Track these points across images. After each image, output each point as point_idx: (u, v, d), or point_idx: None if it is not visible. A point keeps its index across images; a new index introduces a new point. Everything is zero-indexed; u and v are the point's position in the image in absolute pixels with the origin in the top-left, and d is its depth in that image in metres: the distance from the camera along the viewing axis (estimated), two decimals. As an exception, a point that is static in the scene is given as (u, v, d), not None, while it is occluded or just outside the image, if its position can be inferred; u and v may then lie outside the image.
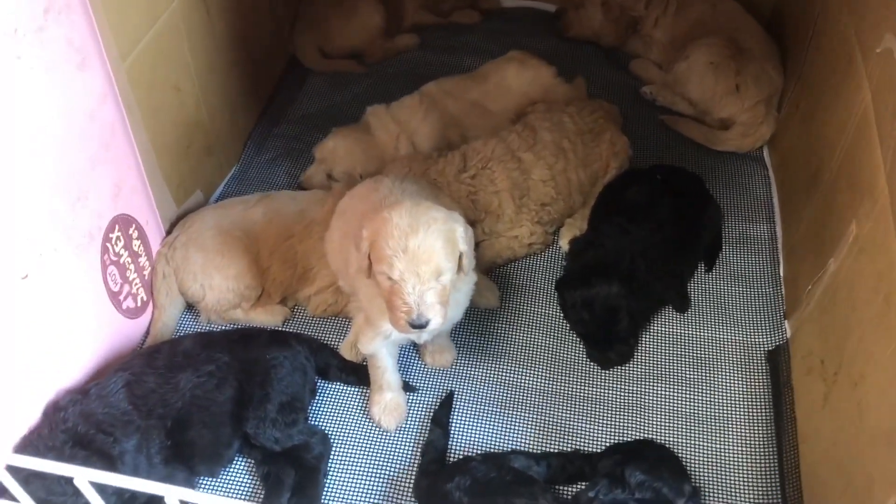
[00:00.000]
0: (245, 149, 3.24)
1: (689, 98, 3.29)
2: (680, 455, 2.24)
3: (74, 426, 2.05)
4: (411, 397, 2.44)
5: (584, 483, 2.18)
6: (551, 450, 2.30)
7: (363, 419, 2.40)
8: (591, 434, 2.35)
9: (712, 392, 2.44)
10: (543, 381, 2.49)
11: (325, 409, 2.43)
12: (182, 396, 2.19)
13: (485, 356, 2.55)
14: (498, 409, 2.41)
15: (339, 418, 2.41)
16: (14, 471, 1.25)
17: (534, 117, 2.90)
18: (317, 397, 2.44)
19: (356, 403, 2.44)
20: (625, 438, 2.32)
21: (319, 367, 2.45)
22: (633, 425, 2.36)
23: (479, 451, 2.28)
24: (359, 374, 2.47)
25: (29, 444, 2.03)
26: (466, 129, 3.06)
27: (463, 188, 2.70)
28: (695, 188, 2.82)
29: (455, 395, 2.44)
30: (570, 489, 2.20)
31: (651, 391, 2.45)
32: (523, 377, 2.49)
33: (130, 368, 2.21)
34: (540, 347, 2.57)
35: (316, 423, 2.38)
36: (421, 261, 1.87)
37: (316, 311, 2.65)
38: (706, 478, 2.23)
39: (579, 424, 2.37)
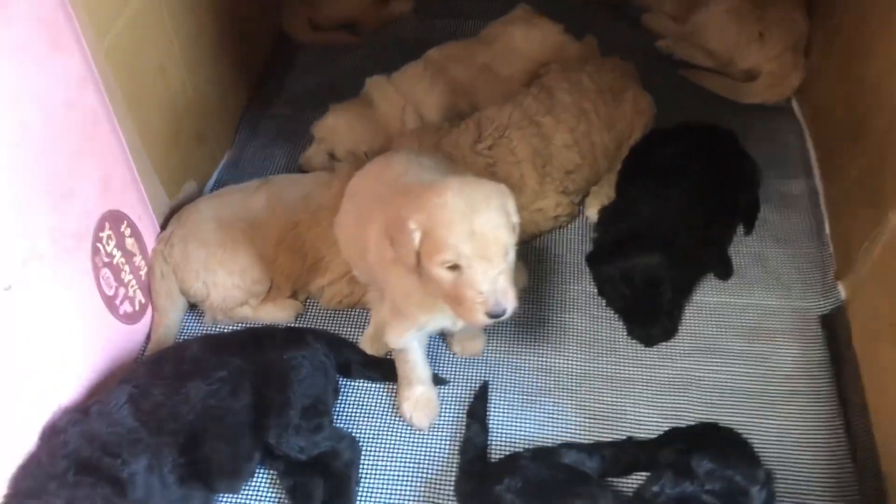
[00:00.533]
0: (238, 133, 3.01)
1: (710, 49, 3.09)
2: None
3: (76, 450, 1.84)
4: (442, 391, 2.24)
5: (640, 473, 1.99)
6: (600, 439, 2.11)
7: (393, 418, 2.20)
8: (642, 419, 2.15)
9: (766, 364, 2.25)
10: (583, 363, 2.29)
11: (350, 411, 2.22)
12: (194, 408, 1.98)
13: (517, 341, 2.35)
14: (537, 398, 2.21)
15: (366, 419, 2.21)
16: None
17: (549, 78, 2.68)
18: (340, 398, 2.23)
19: (383, 401, 2.24)
20: (678, 422, 2.13)
21: (340, 364, 2.25)
22: (685, 406, 2.17)
23: (521, 446, 2.09)
24: (383, 369, 2.27)
25: (28, 474, 1.82)
26: (476, 96, 2.85)
27: (480, 160, 2.49)
28: (729, 145, 2.61)
29: (490, 386, 2.24)
30: (626, 482, 2.01)
31: (700, 368, 2.25)
32: (561, 361, 2.30)
33: (134, 380, 2.00)
34: (576, 328, 2.38)
35: (341, 426, 2.18)
36: (489, 242, 1.65)
37: (330, 303, 2.44)
38: (772, 459, 2.04)
39: (627, 409, 2.18)
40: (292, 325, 2.41)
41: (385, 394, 2.26)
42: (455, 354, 2.32)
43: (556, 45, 2.95)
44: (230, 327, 2.40)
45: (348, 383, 2.28)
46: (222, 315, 2.40)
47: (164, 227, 2.46)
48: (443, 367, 2.30)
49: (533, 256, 2.56)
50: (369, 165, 2.25)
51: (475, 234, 1.64)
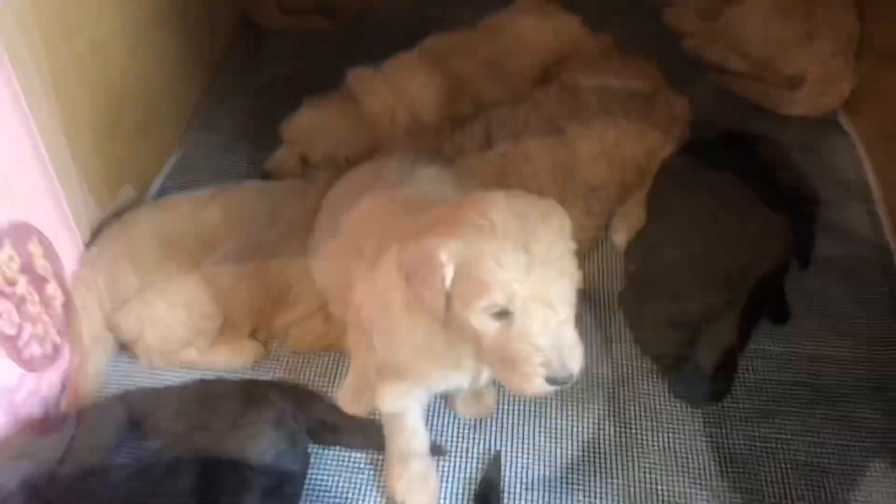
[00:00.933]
0: (189, 128, 2.51)
1: (746, 51, 2.67)
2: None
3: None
4: (442, 464, 1.76)
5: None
6: (646, 530, 1.65)
7: (379, 498, 1.71)
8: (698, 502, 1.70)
9: (846, 430, 1.81)
10: (617, 429, 1.83)
11: (322, 489, 1.72)
12: (115, 493, 1.47)
13: (535, 398, 1.88)
14: (563, 474, 1.75)
15: (342, 501, 1.71)
16: None
17: (571, 76, 2.26)
18: (309, 471, 1.74)
19: (366, 476, 1.75)
20: (742, 506, 1.68)
21: (311, 427, 1.76)
22: (747, 486, 1.72)
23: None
24: (366, 433, 1.79)
25: None
26: (480, 94, 2.39)
27: (489, 170, 2.03)
28: (783, 160, 2.19)
29: (503, 457, 1.76)
30: None
31: (765, 436, 1.81)
32: (589, 426, 1.84)
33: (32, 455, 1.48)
34: (606, 383, 1.91)
35: (313, 510, 1.69)
36: (552, 278, 1.20)
37: (299, 344, 1.95)
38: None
39: (675, 489, 1.72)
40: (249, 374, 1.90)
41: (369, 466, 1.77)
42: (458, 415, 1.84)
43: (572, 39, 2.53)
44: (171, 374, 1.89)
45: (319, 451, 1.79)
46: (160, 359, 1.89)
47: (90, 244, 1.94)
48: (441, 430, 1.82)
49: (550, 291, 2.09)
50: (353, 174, 1.78)
51: (533, 267, 1.18)
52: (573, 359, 1.23)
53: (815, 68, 2.54)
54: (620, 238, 2.18)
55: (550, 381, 1.22)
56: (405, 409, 1.58)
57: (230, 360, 1.91)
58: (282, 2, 2.92)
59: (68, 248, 1.86)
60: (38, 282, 1.73)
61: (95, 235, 1.97)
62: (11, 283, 1.64)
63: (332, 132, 2.24)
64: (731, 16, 2.69)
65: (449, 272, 1.24)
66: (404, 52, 2.41)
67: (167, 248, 1.87)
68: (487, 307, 1.22)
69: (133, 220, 1.95)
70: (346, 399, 1.84)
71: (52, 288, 1.79)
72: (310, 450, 1.76)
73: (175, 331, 1.86)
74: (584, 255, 2.17)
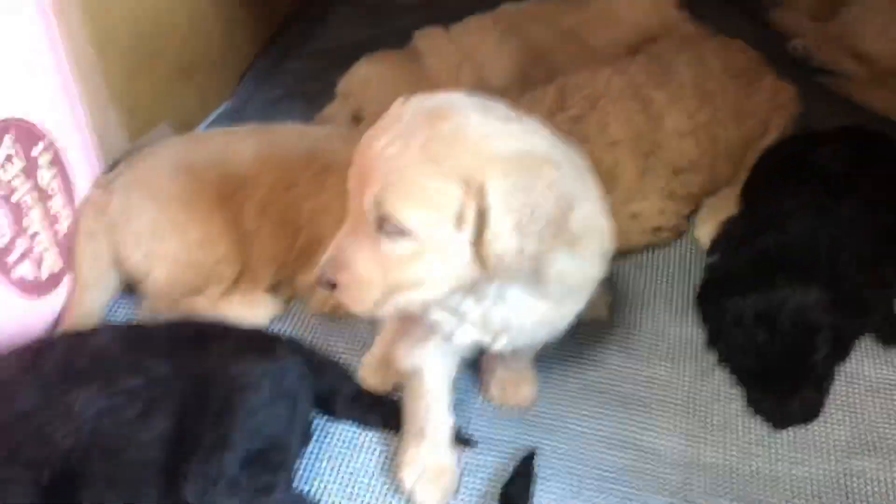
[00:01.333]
0: (242, 81, 2.35)
1: (865, 53, 2.36)
2: None
3: None
4: (467, 456, 1.48)
5: None
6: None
7: (386, 488, 1.45)
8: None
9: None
10: (678, 443, 1.52)
11: (323, 468, 1.47)
12: (77, 430, 1.26)
13: (584, 397, 1.60)
14: (607, 485, 1.44)
15: (344, 484, 1.45)
16: None
17: (663, 47, 2.00)
18: (311, 445, 1.49)
19: (375, 459, 1.49)
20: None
21: (321, 394, 1.52)
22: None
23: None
24: (384, 410, 1.53)
25: None
26: (556, 65, 2.14)
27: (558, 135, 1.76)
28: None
29: (538, 458, 1.48)
30: None
31: (853, 472, 1.47)
32: (646, 435, 1.53)
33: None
34: (671, 389, 1.61)
35: (307, 489, 1.43)
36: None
37: (323, 307, 1.71)
38: None
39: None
40: (262, 329, 1.68)
41: (380, 448, 1.50)
42: (491, 404, 1.57)
43: (665, 20, 2.29)
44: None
45: (327, 425, 1.53)
46: (166, 304, 1.68)
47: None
48: (471, 421, 1.55)
49: (619, 282, 1.81)
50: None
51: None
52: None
53: (949, 74, 2.22)
54: (704, 234, 1.88)
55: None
56: (423, 365, 1.32)
57: (243, 314, 1.68)
58: (358, -31, 2.76)
59: (82, 167, 1.68)
60: (39, 194, 1.56)
61: (119, 166, 1.80)
62: (7, 186, 1.46)
63: (388, 87, 2.03)
64: (848, 14, 2.40)
65: None
66: (478, 14, 2.20)
67: (190, 180, 1.67)
68: None
69: (160, 148, 1.76)
70: (369, 370, 1.59)
71: (57, 205, 1.61)
72: (315, 421, 1.51)
73: (186, 273, 1.65)
74: (661, 244, 1.88)
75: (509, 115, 1.13)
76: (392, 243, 1.07)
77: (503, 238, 1.03)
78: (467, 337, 1.24)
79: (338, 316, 1.71)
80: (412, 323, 1.28)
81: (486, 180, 1.02)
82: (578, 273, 1.22)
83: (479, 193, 1.02)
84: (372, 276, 1.08)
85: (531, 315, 1.22)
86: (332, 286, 1.11)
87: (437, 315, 1.21)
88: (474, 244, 1.05)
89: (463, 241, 1.06)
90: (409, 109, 1.11)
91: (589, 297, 1.30)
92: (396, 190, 1.04)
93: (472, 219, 1.04)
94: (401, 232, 1.05)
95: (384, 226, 1.06)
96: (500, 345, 1.25)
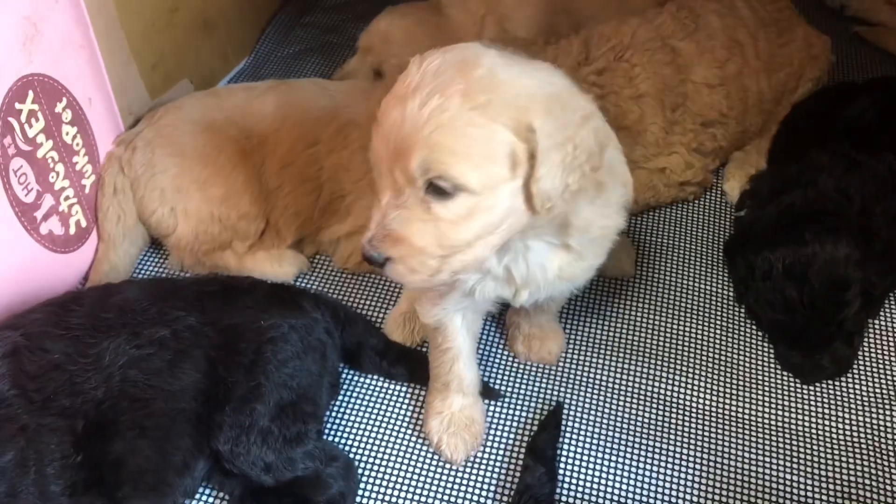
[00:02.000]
0: (262, 37, 2.32)
1: (902, -1, 2.29)
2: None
3: None
4: (493, 408, 1.49)
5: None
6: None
7: (414, 438, 1.46)
8: (788, 489, 1.37)
9: None
10: (705, 397, 1.52)
11: (351, 419, 1.48)
12: (107, 380, 1.26)
13: (612, 351, 1.59)
14: (632, 439, 1.45)
15: (372, 435, 1.46)
16: None
17: (692, -4, 1.93)
18: (339, 397, 1.50)
19: (403, 412, 1.49)
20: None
21: (348, 348, 1.52)
22: (859, 481, 1.38)
23: (609, 510, 1.32)
24: (411, 362, 1.54)
25: None
26: (582, 16, 2.10)
27: (583, 88, 1.73)
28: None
29: (565, 411, 1.47)
30: None
31: (885, 426, 1.46)
32: (673, 389, 1.53)
33: (23, 327, 1.28)
34: (698, 344, 1.60)
35: (336, 440, 1.44)
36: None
37: (348, 262, 1.71)
38: None
39: (769, 473, 1.40)
40: (289, 284, 1.68)
41: (408, 400, 1.51)
42: (518, 358, 1.56)
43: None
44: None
45: (354, 378, 1.54)
46: (192, 259, 1.68)
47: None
48: (498, 374, 1.55)
49: (645, 237, 1.79)
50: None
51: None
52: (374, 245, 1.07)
53: None
54: (733, 187, 1.86)
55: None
56: (446, 320, 1.31)
57: (268, 270, 1.69)
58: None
59: (104, 123, 1.68)
60: (64, 151, 1.55)
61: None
62: (31, 143, 1.46)
63: (410, 41, 2.00)
64: (884, -38, 2.32)
65: None
66: (501, -35, 2.16)
67: (212, 136, 1.66)
68: None
69: (182, 104, 1.74)
70: (395, 324, 1.59)
71: (81, 162, 1.61)
72: (343, 374, 1.52)
73: (210, 228, 1.65)
74: (688, 199, 1.86)
75: (527, 61, 1.10)
76: (446, 205, 1.01)
77: (553, 175, 1.01)
78: (490, 292, 1.23)
79: (363, 271, 1.71)
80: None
81: (532, 119, 0.99)
82: (602, 221, 1.20)
83: (528, 133, 0.99)
84: (427, 243, 1.03)
85: (552, 268, 1.21)
86: (382, 264, 1.06)
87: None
88: (524, 186, 1.02)
89: (516, 187, 1.02)
90: (433, 65, 1.04)
91: (609, 251, 1.28)
92: (445, 148, 0.98)
93: (525, 160, 1.01)
94: (455, 191, 1.00)
95: (436, 188, 1.01)
96: (522, 299, 1.24)
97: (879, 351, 1.58)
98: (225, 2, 2.10)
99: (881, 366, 1.56)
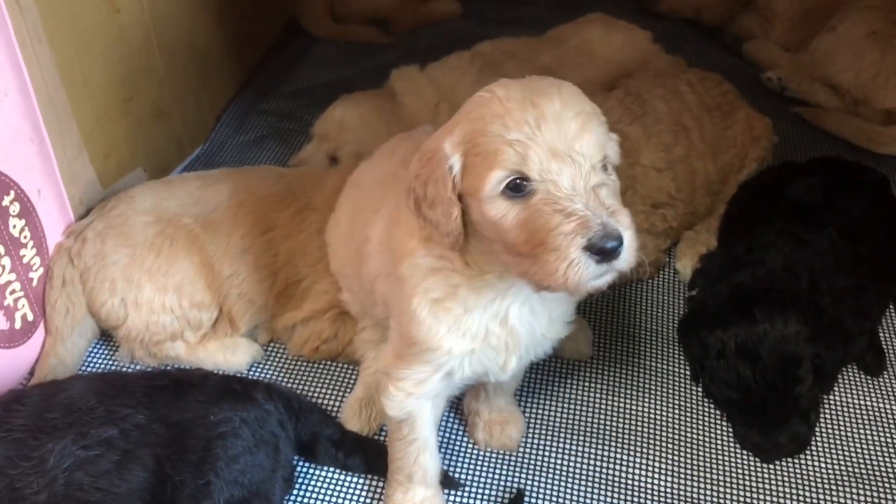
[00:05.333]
0: (218, 124, 2.33)
1: (836, 83, 2.42)
2: None
3: None
4: (453, 498, 1.46)
5: None
6: None
7: (372, 535, 1.41)
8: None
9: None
10: (668, 482, 1.50)
11: (308, 514, 1.44)
12: (50, 483, 1.22)
13: (571, 436, 1.57)
14: (600, 526, 1.42)
15: (330, 531, 1.41)
16: None
17: (638, 83, 2.01)
18: (294, 492, 1.46)
19: (360, 505, 1.45)
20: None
21: (303, 439, 1.49)
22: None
23: None
24: (368, 453, 1.50)
25: None
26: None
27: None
28: (881, 191, 1.88)
29: (526, 499, 1.45)
30: None
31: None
32: (635, 475, 1.51)
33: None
34: (658, 422, 1.60)
35: (290, 538, 1.39)
36: (571, 133, 1.00)
37: (303, 348, 1.69)
38: None
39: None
40: (242, 374, 1.65)
41: (366, 493, 1.47)
42: (478, 447, 1.54)
43: (642, 54, 2.31)
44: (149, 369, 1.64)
45: (310, 471, 1.50)
46: (143, 351, 1.65)
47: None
48: (457, 462, 1.52)
49: (601, 317, 1.80)
50: (383, 146, 1.55)
51: (545, 120, 0.99)
52: (617, 221, 0.98)
53: (918, 103, 2.26)
54: (684, 266, 1.89)
55: (592, 248, 0.97)
56: (416, 411, 1.29)
57: (221, 360, 1.66)
58: (333, 10, 2.77)
59: (53, 215, 1.65)
60: (11, 244, 1.53)
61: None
62: (-23, 237, 1.44)
63: (366, 128, 2.03)
64: (819, 45, 2.44)
65: (456, 162, 1.06)
66: (455, 53, 2.22)
67: (164, 226, 1.65)
68: (500, 180, 1.01)
69: (133, 193, 1.73)
70: (352, 412, 1.57)
71: (28, 255, 1.58)
72: (297, 466, 1.48)
73: (161, 318, 1.62)
74: (641, 279, 1.88)
75: None
76: (611, 180, 1.06)
77: None
78: (477, 366, 1.22)
79: (318, 357, 1.69)
80: (408, 360, 1.26)
81: None
82: None
83: None
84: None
85: (542, 321, 1.22)
86: (614, 249, 0.98)
87: (454, 353, 1.20)
88: None
89: None
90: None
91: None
92: (602, 131, 1.05)
93: None
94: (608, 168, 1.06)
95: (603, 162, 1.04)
96: (510, 366, 1.24)
97: (836, 428, 1.59)
98: (180, 90, 2.11)
99: (839, 443, 1.56)
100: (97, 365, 1.68)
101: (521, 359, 1.25)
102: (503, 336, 1.20)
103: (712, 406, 1.62)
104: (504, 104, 1.02)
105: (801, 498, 1.46)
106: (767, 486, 1.48)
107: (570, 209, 0.98)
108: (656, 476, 1.49)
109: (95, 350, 1.70)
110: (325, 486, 1.47)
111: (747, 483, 1.49)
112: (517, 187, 1.01)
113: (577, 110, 1.01)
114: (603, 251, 0.97)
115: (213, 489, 1.26)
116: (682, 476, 1.50)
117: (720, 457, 1.54)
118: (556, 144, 0.99)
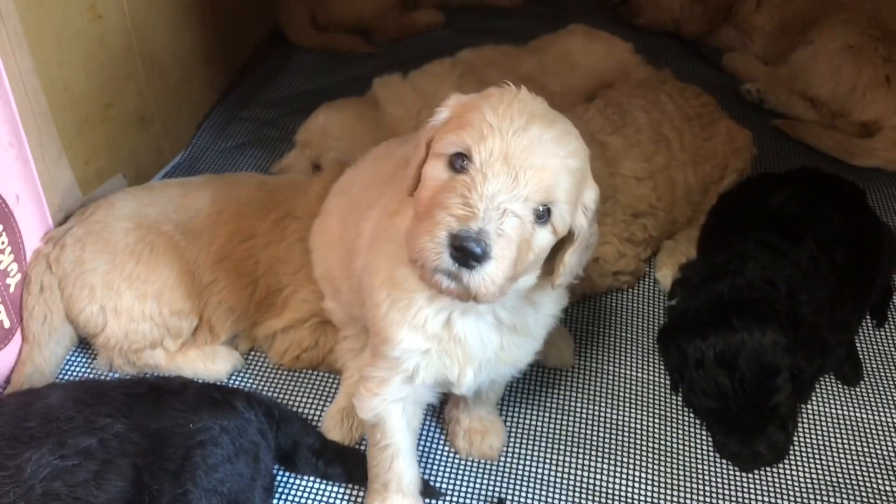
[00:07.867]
0: (199, 131, 2.32)
1: (814, 96, 2.45)
2: None
3: None
4: (434, 507, 1.45)
5: None
6: None
7: (352, 544, 1.40)
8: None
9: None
10: (648, 490, 1.50)
11: (288, 523, 1.43)
12: (27, 492, 1.20)
13: (553, 445, 1.58)
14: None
15: (310, 540, 1.41)
16: None
17: (619, 93, 2.02)
18: (274, 501, 1.45)
19: (341, 514, 1.45)
20: None
21: (283, 448, 1.48)
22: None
23: None
24: (348, 462, 1.50)
25: None
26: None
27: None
28: (858, 203, 1.91)
29: (508, 507, 1.46)
30: None
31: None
32: (616, 482, 1.52)
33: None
34: (638, 431, 1.61)
35: (269, 548, 1.38)
36: (531, 161, 1.04)
37: (284, 357, 1.68)
38: None
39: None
40: (222, 383, 1.64)
41: (346, 502, 1.46)
42: (459, 454, 1.54)
43: (623, 64, 2.33)
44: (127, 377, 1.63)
45: (290, 480, 1.49)
46: (122, 359, 1.63)
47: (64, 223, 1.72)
48: (438, 472, 1.52)
49: (582, 326, 1.81)
50: (371, 151, 1.57)
51: (527, 134, 1.04)
52: (494, 242, 1.01)
53: (892, 116, 2.29)
54: (664, 276, 1.90)
55: (455, 239, 1.01)
56: (384, 414, 1.29)
57: (201, 368, 1.65)
58: (315, 19, 2.77)
59: (32, 222, 1.64)
60: (-12, 250, 1.51)
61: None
62: (-47, 243, 1.42)
63: (348, 135, 2.03)
64: (797, 59, 2.47)
65: (444, 114, 1.15)
66: (437, 60, 2.22)
67: (144, 232, 1.63)
68: (454, 142, 1.06)
69: (113, 200, 1.72)
70: (332, 420, 1.56)
71: (5, 261, 1.56)
72: (277, 475, 1.47)
73: (141, 326, 1.61)
74: (622, 288, 1.89)
75: None
76: (541, 228, 1.07)
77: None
78: (432, 374, 1.23)
79: (299, 366, 1.69)
80: (377, 360, 1.26)
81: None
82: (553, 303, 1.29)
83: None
84: (515, 256, 1.05)
85: (493, 343, 1.23)
86: (473, 254, 1.01)
87: (406, 347, 1.21)
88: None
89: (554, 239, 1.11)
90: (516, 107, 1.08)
91: (548, 340, 1.31)
92: (566, 185, 1.07)
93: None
94: (547, 217, 1.07)
95: (541, 212, 1.06)
96: (466, 379, 1.24)
97: (814, 437, 1.61)
98: (161, 97, 2.10)
99: (817, 452, 1.58)
100: (75, 373, 1.66)
101: (477, 375, 1.25)
102: (452, 344, 1.21)
103: (692, 415, 1.64)
104: (512, 102, 1.07)
105: (778, 506, 1.48)
106: (746, 495, 1.50)
107: (471, 202, 1.02)
108: (637, 485, 1.50)
109: (73, 358, 1.68)
110: (306, 495, 1.47)
111: (726, 492, 1.50)
112: (458, 162, 1.06)
113: (555, 153, 1.05)
114: (463, 249, 1.00)
115: (192, 498, 1.25)
116: (663, 485, 1.50)
117: (700, 466, 1.55)
118: (514, 155, 1.03)
